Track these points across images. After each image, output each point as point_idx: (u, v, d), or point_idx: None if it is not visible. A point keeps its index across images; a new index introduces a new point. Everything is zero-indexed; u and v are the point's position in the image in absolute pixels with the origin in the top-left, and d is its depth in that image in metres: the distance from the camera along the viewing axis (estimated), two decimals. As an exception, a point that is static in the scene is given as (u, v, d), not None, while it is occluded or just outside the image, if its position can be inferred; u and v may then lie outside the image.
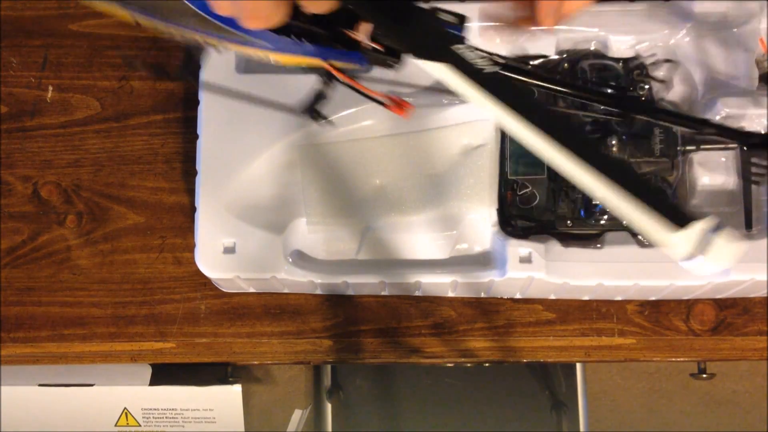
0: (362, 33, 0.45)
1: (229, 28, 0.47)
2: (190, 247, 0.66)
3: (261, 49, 0.48)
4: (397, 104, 0.51)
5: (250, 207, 0.65)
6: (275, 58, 0.48)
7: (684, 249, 0.41)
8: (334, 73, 0.49)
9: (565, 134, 0.40)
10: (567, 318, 0.69)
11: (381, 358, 0.70)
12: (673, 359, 0.69)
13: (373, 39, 0.44)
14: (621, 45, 0.66)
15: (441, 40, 0.40)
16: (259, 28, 0.41)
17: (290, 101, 0.65)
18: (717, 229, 0.41)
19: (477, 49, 0.40)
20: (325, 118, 0.53)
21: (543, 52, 0.67)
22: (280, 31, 0.46)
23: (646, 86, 0.65)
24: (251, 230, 0.64)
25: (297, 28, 0.46)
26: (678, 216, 0.40)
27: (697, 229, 0.40)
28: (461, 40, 0.40)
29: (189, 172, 0.72)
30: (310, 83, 0.65)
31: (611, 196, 0.40)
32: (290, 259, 0.64)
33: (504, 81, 0.40)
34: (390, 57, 0.45)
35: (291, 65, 0.49)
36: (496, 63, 0.40)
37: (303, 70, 0.53)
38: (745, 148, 0.61)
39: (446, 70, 0.40)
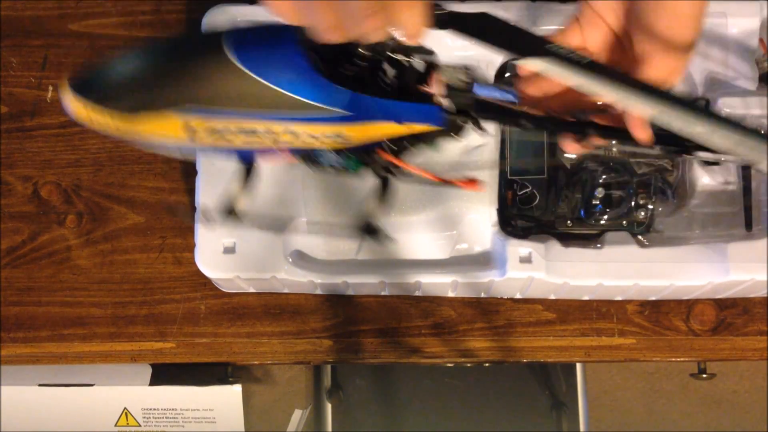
0: (436, 87, 0.44)
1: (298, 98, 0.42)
2: (190, 247, 0.66)
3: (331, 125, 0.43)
4: (469, 182, 0.52)
5: (250, 207, 0.65)
6: (348, 131, 0.44)
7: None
8: (397, 162, 0.47)
9: (668, 95, 0.43)
10: (567, 318, 0.69)
11: (381, 358, 0.70)
12: (673, 359, 0.69)
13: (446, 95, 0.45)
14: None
15: (536, 41, 0.43)
16: (337, 40, 0.38)
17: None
18: None
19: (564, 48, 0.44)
20: (386, 235, 0.49)
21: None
22: (346, 83, 0.43)
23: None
24: (251, 230, 0.64)
25: (368, 83, 0.44)
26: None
27: None
28: (550, 41, 0.43)
29: (189, 172, 0.72)
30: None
31: (723, 137, 0.42)
32: (290, 259, 0.64)
33: (599, 65, 0.43)
34: (471, 116, 0.45)
35: (361, 142, 0.45)
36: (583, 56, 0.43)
37: (355, 171, 0.49)
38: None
39: (549, 63, 0.42)
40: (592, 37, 0.48)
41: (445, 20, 0.42)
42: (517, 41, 0.43)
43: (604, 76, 0.42)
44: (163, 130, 0.42)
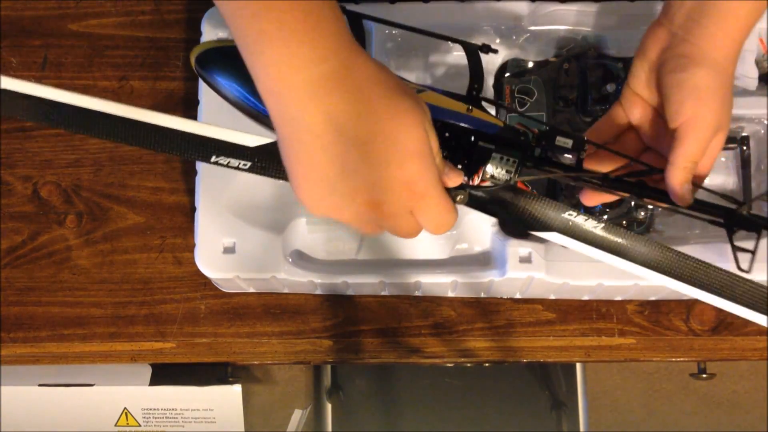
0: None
1: None
2: (190, 247, 0.66)
3: None
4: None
5: (250, 207, 0.65)
6: None
7: None
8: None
9: (673, 263, 0.47)
10: (567, 318, 0.69)
11: (381, 358, 0.70)
12: (673, 359, 0.69)
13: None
14: (621, 45, 0.66)
15: (553, 209, 0.46)
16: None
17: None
18: None
19: (580, 212, 0.47)
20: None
21: (543, 53, 0.67)
22: None
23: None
24: (251, 230, 0.64)
25: None
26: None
27: None
28: (567, 209, 0.47)
29: (189, 172, 0.72)
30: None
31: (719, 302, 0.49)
32: (290, 259, 0.64)
33: (612, 229, 0.47)
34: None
35: None
36: (600, 220, 0.47)
37: None
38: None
39: (560, 236, 0.47)
40: (635, 116, 0.51)
41: (466, 202, 0.46)
42: (534, 217, 0.46)
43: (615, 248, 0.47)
44: None
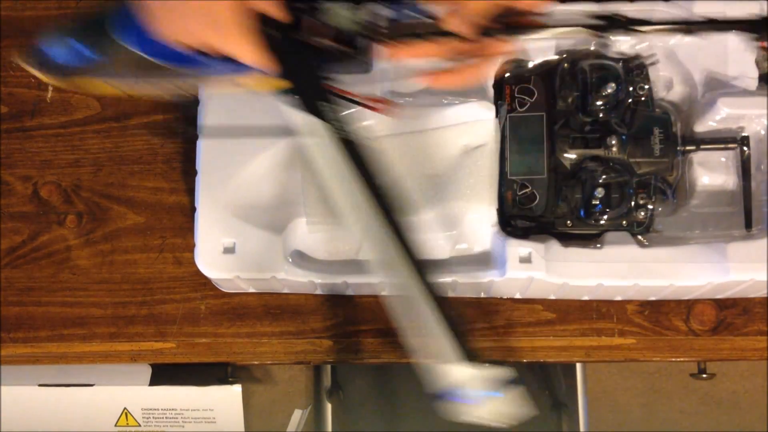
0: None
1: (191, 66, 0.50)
2: (190, 247, 0.66)
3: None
4: (379, 101, 0.55)
5: (250, 207, 0.65)
6: (242, 82, 0.50)
7: (461, 377, 0.47)
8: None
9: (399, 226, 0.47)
10: (567, 318, 0.69)
11: (381, 358, 0.69)
12: (673, 359, 0.69)
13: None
14: (621, 45, 0.66)
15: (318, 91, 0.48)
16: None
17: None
18: (510, 383, 0.48)
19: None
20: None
21: (544, 53, 0.67)
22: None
23: (646, 86, 0.65)
24: (251, 230, 0.64)
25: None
26: (470, 353, 0.47)
27: (490, 372, 0.47)
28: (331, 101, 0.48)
29: (189, 172, 0.72)
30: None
31: (423, 300, 0.47)
32: (290, 259, 0.64)
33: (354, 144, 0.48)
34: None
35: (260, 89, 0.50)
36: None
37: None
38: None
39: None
40: None
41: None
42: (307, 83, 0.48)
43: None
44: (104, 91, 0.56)
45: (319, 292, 0.69)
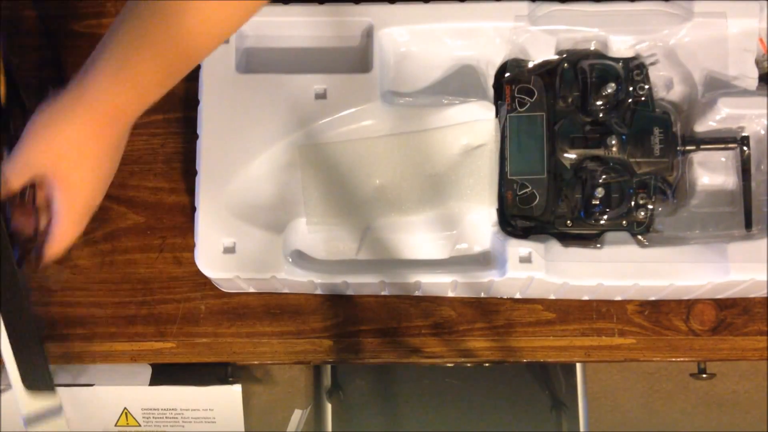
0: None
1: None
2: (190, 247, 0.66)
3: None
4: None
5: (250, 207, 0.65)
6: None
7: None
8: None
9: None
10: (567, 318, 0.69)
11: (381, 358, 0.70)
12: (673, 359, 0.69)
13: None
14: (621, 45, 0.66)
15: None
16: None
17: (290, 101, 0.65)
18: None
19: None
20: None
21: (544, 53, 0.67)
22: None
23: (646, 86, 0.65)
24: (251, 230, 0.64)
25: None
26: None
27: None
28: None
29: (189, 172, 0.72)
30: (309, 83, 0.66)
31: None
32: (290, 259, 0.64)
33: None
34: None
35: None
36: None
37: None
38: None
39: None
40: None
41: None
42: None
43: None
44: None
45: (319, 292, 0.69)
